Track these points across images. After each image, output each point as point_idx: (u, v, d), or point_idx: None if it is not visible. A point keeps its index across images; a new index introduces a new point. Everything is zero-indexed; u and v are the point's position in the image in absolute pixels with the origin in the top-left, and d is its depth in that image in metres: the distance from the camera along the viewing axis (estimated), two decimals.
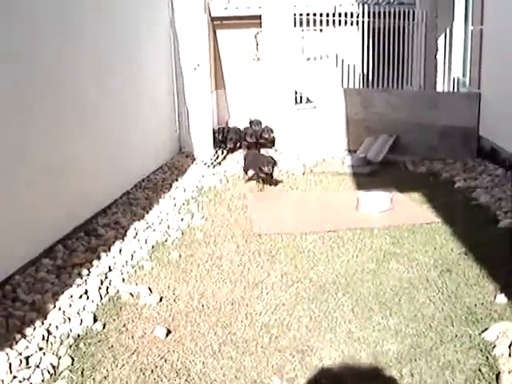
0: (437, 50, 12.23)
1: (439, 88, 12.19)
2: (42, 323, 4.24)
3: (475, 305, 4.33)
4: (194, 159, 10.01)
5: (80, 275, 5.06)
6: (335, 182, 8.43)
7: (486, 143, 9.10)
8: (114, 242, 5.88)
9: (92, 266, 5.28)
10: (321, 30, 12.03)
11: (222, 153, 10.19)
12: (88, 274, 5.11)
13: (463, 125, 9.40)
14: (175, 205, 7.33)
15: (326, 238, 5.87)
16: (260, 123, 11.55)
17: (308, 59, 12.39)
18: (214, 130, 10.52)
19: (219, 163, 9.72)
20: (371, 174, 8.80)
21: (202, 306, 4.55)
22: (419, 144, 9.70)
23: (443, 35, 11.99)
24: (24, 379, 3.60)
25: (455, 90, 11.52)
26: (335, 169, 9.10)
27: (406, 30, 12.69)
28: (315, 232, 6.06)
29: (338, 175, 8.80)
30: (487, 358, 3.64)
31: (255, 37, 13.44)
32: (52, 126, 5.68)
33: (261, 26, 11.49)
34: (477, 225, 6.12)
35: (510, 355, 3.62)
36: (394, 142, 9.82)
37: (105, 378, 3.63)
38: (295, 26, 11.20)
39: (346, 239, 5.85)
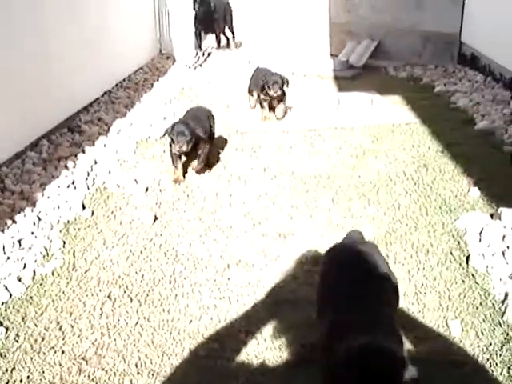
0: None
1: None
2: (32, 211, 4.37)
3: (449, 197, 4.54)
4: (175, 61, 9.89)
5: (66, 167, 5.16)
6: (317, 85, 8.44)
7: (467, 49, 9.11)
8: (97, 138, 5.95)
9: (77, 159, 5.37)
10: None
11: (204, 54, 10.06)
12: (74, 167, 5.21)
13: (446, 30, 9.34)
14: (157, 104, 7.33)
15: (307, 136, 5.99)
16: None
17: None
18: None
19: (200, 65, 9.62)
20: (353, 78, 8.81)
21: (188, 196, 4.70)
22: (401, 49, 9.66)
23: None
24: (18, 260, 3.76)
25: None
26: (317, 72, 9.06)
27: None
28: (296, 130, 6.16)
29: (319, 78, 8.81)
30: (458, 242, 3.87)
31: None
32: (32, 22, 5.59)
33: None
34: (454, 126, 6.25)
35: (479, 241, 3.85)
36: (376, 46, 9.77)
37: (96, 258, 3.81)
38: None
39: (327, 137, 5.96)
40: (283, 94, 6.45)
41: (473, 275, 3.51)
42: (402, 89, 7.94)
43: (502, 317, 3.13)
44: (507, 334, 2.99)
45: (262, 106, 6.60)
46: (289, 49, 10.12)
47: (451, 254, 3.75)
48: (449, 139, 5.77)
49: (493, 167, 5.05)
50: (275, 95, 6.31)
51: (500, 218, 4.03)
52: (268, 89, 6.29)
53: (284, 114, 6.64)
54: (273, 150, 5.66)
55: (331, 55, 10.16)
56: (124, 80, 8.32)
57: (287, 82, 6.41)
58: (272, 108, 6.60)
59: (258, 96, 6.61)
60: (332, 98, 7.20)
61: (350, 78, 8.82)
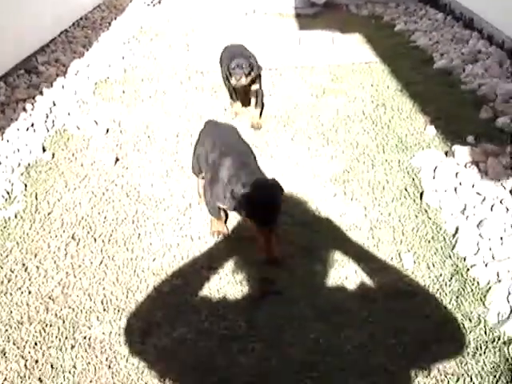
0: None
1: None
2: None
3: (406, 135, 4.64)
4: None
5: (25, 110, 5.10)
6: (278, 23, 8.36)
7: None
8: (55, 79, 5.86)
9: (36, 101, 5.30)
10: None
11: None
12: (32, 109, 5.15)
13: None
14: (116, 43, 7.21)
15: (268, 75, 5.96)
16: None
17: None
18: None
19: (159, 2, 9.42)
20: (314, 16, 8.76)
21: (148, 137, 4.71)
22: None
23: None
24: None
25: None
26: (278, 10, 8.97)
27: None
28: None
29: (281, 16, 8.74)
30: (413, 179, 3.99)
31: None
32: None
33: None
34: (413, 65, 6.31)
35: (433, 178, 3.97)
36: None
37: (58, 200, 3.83)
38: None
39: (287, 76, 5.98)
40: (253, 82, 4.78)
41: (425, 210, 3.64)
42: (363, 27, 7.95)
43: (453, 250, 3.28)
44: (456, 266, 3.15)
45: (231, 98, 5.10)
46: None
47: (406, 190, 3.88)
48: (407, 78, 5.84)
49: (449, 106, 5.15)
50: (238, 84, 4.68)
51: (454, 156, 4.15)
52: (229, 75, 4.71)
53: (260, 113, 4.97)
54: None
55: None
56: (81, 19, 8.15)
57: (259, 68, 4.77)
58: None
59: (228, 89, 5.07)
60: (293, 36, 7.18)
61: (311, 15, 8.78)
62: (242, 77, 4.59)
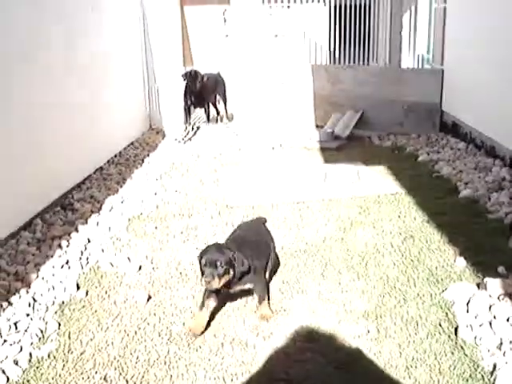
0: (402, 28, 12.49)
1: (404, 65, 12.46)
2: (27, 292, 4.42)
3: (436, 267, 4.64)
4: (165, 135, 10.15)
5: (60, 247, 5.24)
6: (304, 157, 8.66)
7: (448, 118, 9.42)
8: (90, 216, 6.05)
9: (71, 238, 5.45)
10: (288, 7, 12.25)
11: (193, 128, 10.33)
12: (68, 246, 5.29)
13: (427, 100, 9.69)
14: (148, 179, 7.50)
15: (296, 209, 6.13)
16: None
17: (276, 36, 12.59)
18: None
19: (190, 139, 9.87)
20: (338, 149, 9.05)
21: (180, 273, 4.77)
22: (385, 119, 9.97)
23: (408, 13, 12.25)
24: (14, 343, 3.78)
25: (420, 66, 11.81)
26: (304, 144, 9.32)
27: (372, 8, 13.02)
28: (285, 203, 6.30)
29: (306, 150, 9.05)
30: (447, 314, 3.95)
31: (223, 13, 13.54)
32: (25, 104, 5.79)
33: (229, 3, 11.63)
34: (438, 195, 6.42)
35: (467, 311, 3.93)
36: (360, 117, 10.08)
37: (91, 340, 3.85)
38: (263, 2, 11.38)
39: (315, 210, 6.11)
40: (245, 278, 3.85)
41: (462, 347, 3.57)
42: (387, 158, 8.17)
43: None
44: None
45: (202, 303, 3.90)
46: (276, 121, 10.42)
47: (440, 325, 3.83)
48: (434, 208, 5.93)
49: (477, 236, 5.18)
50: (209, 288, 3.71)
51: (486, 288, 4.12)
52: (201, 274, 3.72)
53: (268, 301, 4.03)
54: None
55: (316, 126, 10.46)
56: (115, 156, 8.52)
57: (245, 266, 3.78)
58: None
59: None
60: (319, 169, 7.40)
61: (335, 148, 9.06)
62: (215, 278, 3.61)
